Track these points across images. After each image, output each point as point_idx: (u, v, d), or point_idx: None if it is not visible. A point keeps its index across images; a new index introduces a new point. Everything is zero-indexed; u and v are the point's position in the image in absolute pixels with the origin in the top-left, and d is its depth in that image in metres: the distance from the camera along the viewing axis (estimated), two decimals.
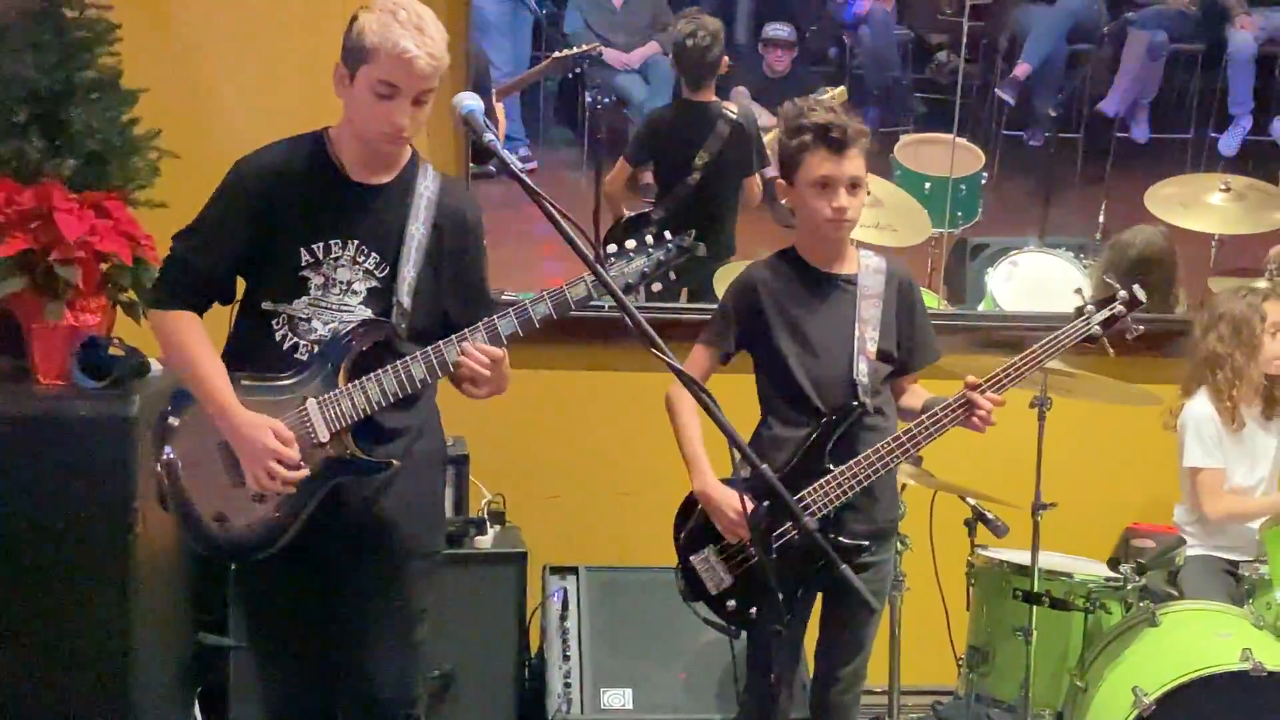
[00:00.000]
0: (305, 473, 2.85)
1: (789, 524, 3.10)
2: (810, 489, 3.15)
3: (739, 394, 3.20)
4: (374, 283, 2.93)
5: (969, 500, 4.07)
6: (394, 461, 2.93)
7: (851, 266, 3.33)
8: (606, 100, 4.64)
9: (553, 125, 4.69)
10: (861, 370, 3.23)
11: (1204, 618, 3.79)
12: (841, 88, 4.65)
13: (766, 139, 4.63)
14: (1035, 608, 3.83)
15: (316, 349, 2.91)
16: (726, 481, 3.25)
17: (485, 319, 2.86)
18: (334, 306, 2.92)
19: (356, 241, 2.92)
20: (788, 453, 3.19)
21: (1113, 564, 4.08)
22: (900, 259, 3.51)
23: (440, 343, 2.86)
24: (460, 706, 4.13)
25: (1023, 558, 3.88)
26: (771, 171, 4.44)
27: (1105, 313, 3.29)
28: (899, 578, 4.08)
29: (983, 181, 4.81)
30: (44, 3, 3.62)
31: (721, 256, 4.51)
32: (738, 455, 2.39)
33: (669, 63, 4.64)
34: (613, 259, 2.85)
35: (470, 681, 4.15)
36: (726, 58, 4.58)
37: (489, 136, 2.71)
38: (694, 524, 3.30)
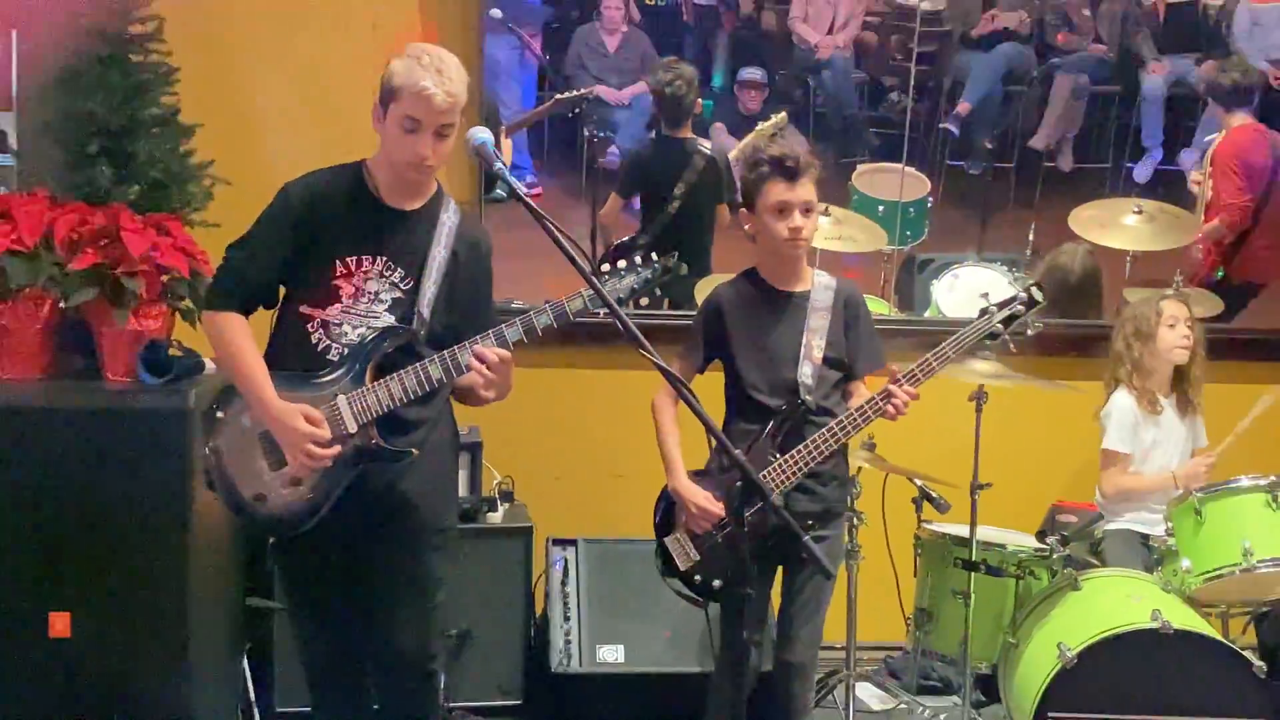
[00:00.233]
0: (337, 450, 2.86)
1: (757, 504, 3.11)
2: (761, 475, 3.16)
3: (714, 394, 3.25)
4: (398, 295, 2.94)
5: (916, 481, 4.09)
6: (413, 450, 2.94)
7: (805, 284, 3.35)
8: (601, 134, 4.64)
9: (555, 155, 4.69)
10: (805, 373, 3.26)
11: (1119, 583, 3.81)
12: (783, 114, 4.65)
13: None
14: (973, 574, 3.84)
15: (347, 350, 2.91)
16: (700, 473, 3.30)
17: (494, 327, 2.88)
18: (363, 314, 2.92)
19: (385, 258, 2.93)
20: (744, 445, 3.21)
21: (1040, 536, 4.10)
22: (850, 279, 3.51)
23: (455, 347, 2.87)
24: (475, 661, 4.15)
25: (962, 531, 3.90)
26: None
27: (1005, 311, 3.30)
28: (855, 548, 4.10)
29: (928, 205, 4.82)
30: (112, 49, 3.62)
31: (700, 273, 4.51)
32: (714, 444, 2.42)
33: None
34: (607, 276, 2.86)
35: (483, 639, 4.16)
36: (699, 100, 4.59)
37: (498, 165, 2.73)
38: (667, 512, 3.36)
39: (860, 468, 4.06)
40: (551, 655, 4.12)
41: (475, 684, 4.16)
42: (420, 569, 3.05)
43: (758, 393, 3.29)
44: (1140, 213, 4.85)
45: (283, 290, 3.00)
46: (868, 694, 4.40)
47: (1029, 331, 3.32)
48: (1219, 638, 3.57)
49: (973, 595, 3.83)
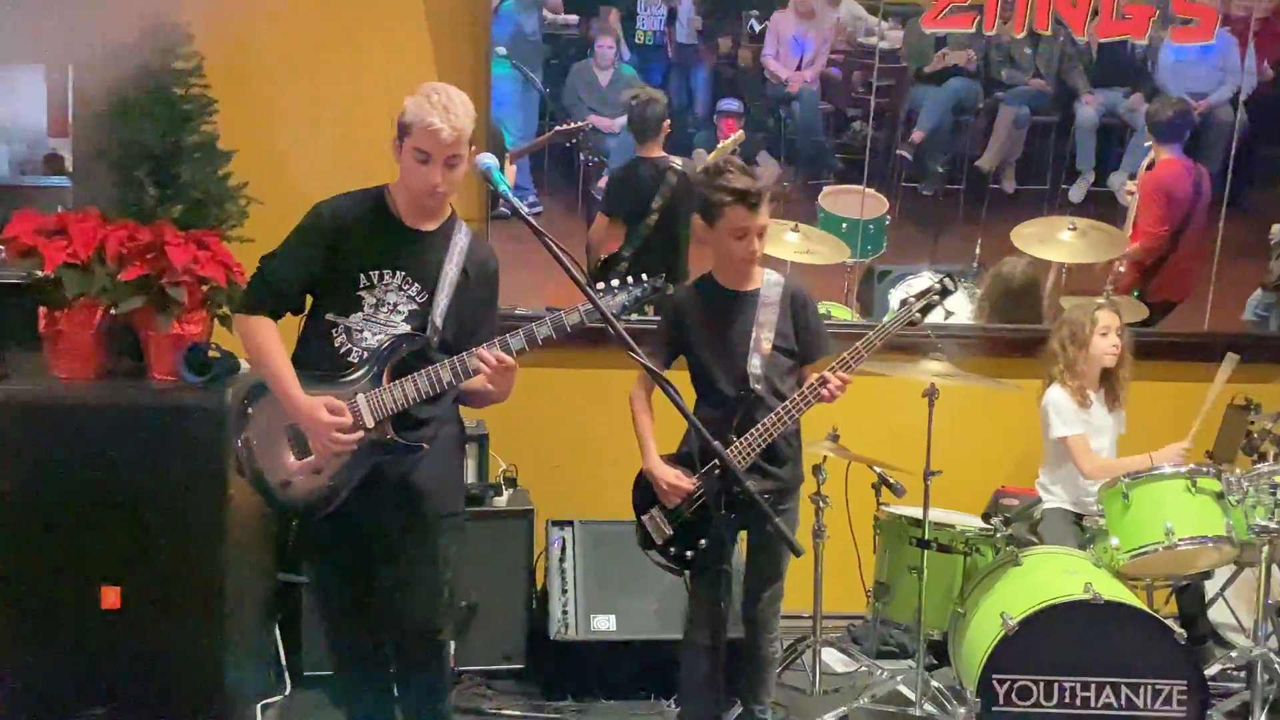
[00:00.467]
0: (359, 435, 2.85)
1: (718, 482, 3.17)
2: (728, 453, 3.19)
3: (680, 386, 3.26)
4: (414, 306, 2.94)
5: (875, 469, 4.09)
6: (423, 444, 2.94)
7: (755, 283, 3.37)
8: (595, 159, 4.64)
9: (555, 178, 4.68)
10: (754, 364, 3.28)
11: (1056, 559, 3.81)
12: (740, 132, 4.65)
13: None
14: (926, 551, 3.84)
15: (367, 354, 2.91)
16: (672, 456, 3.31)
17: (499, 337, 2.88)
18: (382, 322, 2.92)
19: (403, 273, 2.93)
20: (708, 430, 3.22)
21: (986, 518, 4.10)
22: (796, 277, 3.55)
23: (464, 353, 2.87)
24: (482, 630, 4.14)
25: (916, 513, 3.90)
26: None
27: (923, 301, 3.33)
28: (821, 528, 4.11)
29: (886, 222, 4.81)
30: (158, 83, 3.62)
31: (678, 279, 4.50)
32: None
33: None
34: (602, 292, 2.86)
35: (490, 610, 4.15)
36: (668, 121, 4.58)
37: (503, 188, 2.73)
38: (643, 492, 3.37)
39: (825, 456, 4.06)
40: (551, 624, 4.11)
41: (482, 650, 4.16)
42: (431, 549, 3.04)
43: (717, 383, 3.31)
44: (1074, 229, 4.85)
45: (310, 299, 3.00)
46: (832, 658, 4.40)
47: (944, 319, 3.36)
48: (1144, 608, 3.58)
49: (925, 570, 3.83)
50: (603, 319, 2.62)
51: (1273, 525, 3.71)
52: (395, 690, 3.22)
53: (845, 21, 4.69)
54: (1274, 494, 3.75)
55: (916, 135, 4.79)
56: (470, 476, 4.14)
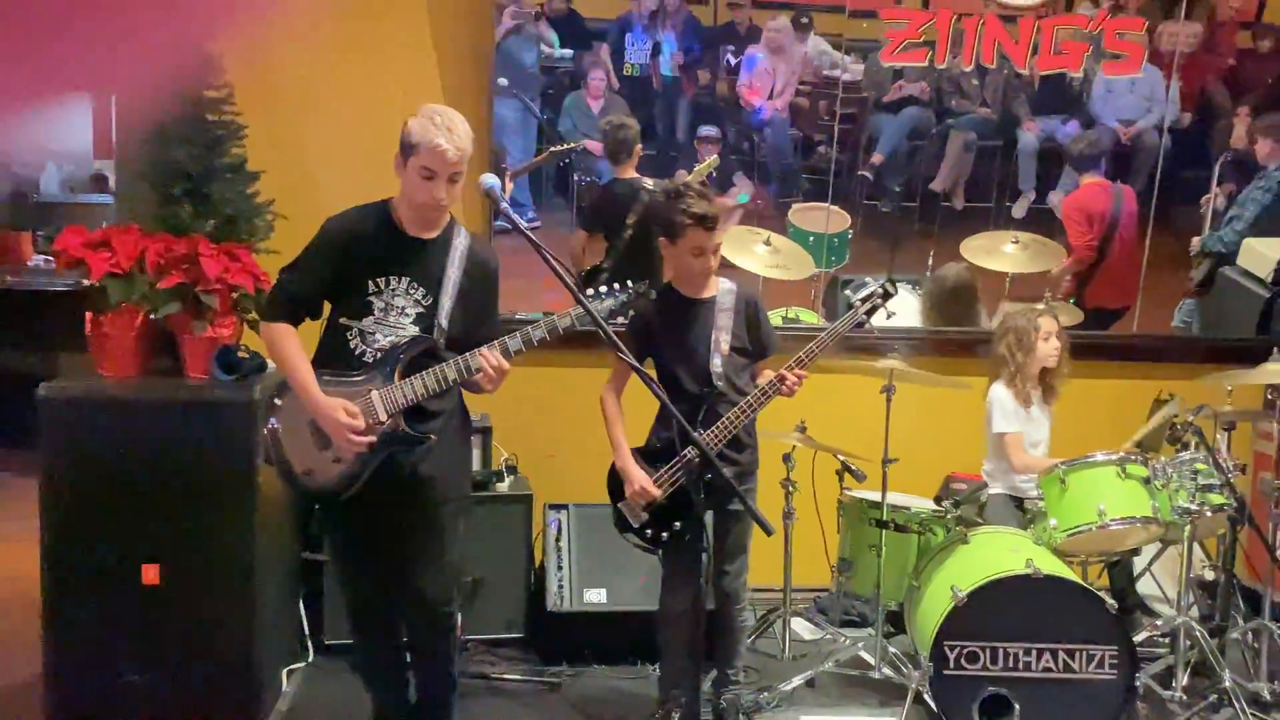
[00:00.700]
0: (373, 437, 2.85)
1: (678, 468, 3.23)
2: (689, 447, 3.19)
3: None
4: (421, 309, 2.93)
5: (839, 457, 4.10)
6: (432, 436, 2.93)
7: (712, 291, 3.38)
8: (587, 179, 4.64)
9: (552, 195, 4.68)
10: (715, 363, 3.29)
11: (1001, 538, 3.82)
12: (715, 157, 4.65)
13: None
14: (884, 531, 3.86)
15: (379, 355, 2.91)
16: (641, 450, 3.34)
17: (499, 339, 2.88)
18: (392, 324, 2.92)
19: (409, 279, 2.92)
20: (677, 423, 3.23)
21: (938, 501, 4.12)
22: (749, 284, 3.57)
23: (467, 353, 2.87)
24: (486, 602, 4.14)
25: (875, 497, 3.91)
26: None
27: (867, 305, 3.35)
28: (790, 511, 4.11)
29: (849, 236, 4.82)
30: (193, 110, 3.61)
31: (655, 288, 4.51)
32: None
33: None
34: (592, 298, 2.86)
35: (493, 585, 4.15)
36: (639, 146, 4.57)
37: (504, 205, 2.73)
38: (617, 480, 3.38)
39: (794, 446, 4.07)
40: (548, 597, 4.12)
41: (486, 621, 4.15)
42: (439, 530, 3.04)
43: (682, 382, 3.31)
44: (1017, 242, 4.87)
45: (327, 305, 2.99)
46: (801, 627, 4.41)
47: (888, 318, 3.39)
48: (1079, 581, 3.60)
49: (884, 548, 3.84)
50: (593, 322, 2.63)
51: (1193, 507, 3.72)
52: (408, 657, 3.23)
53: (812, 55, 4.70)
54: (1195, 479, 3.77)
55: (876, 158, 4.80)
56: (476, 464, 4.14)
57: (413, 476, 2.96)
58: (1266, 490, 4.13)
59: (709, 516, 3.39)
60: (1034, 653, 3.44)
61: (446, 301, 2.93)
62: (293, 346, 2.91)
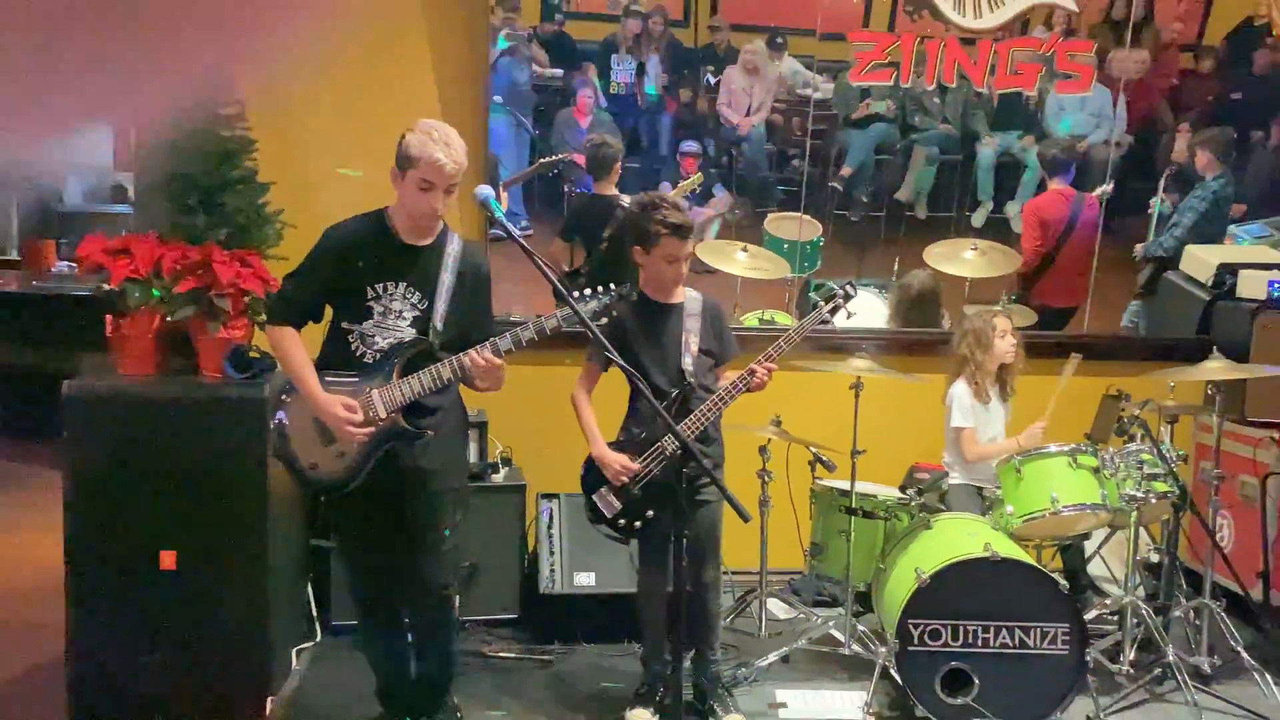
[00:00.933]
0: (373, 430, 2.85)
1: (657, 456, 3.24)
2: (665, 439, 3.22)
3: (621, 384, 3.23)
4: (417, 312, 2.93)
5: (811, 448, 4.09)
6: (430, 431, 2.93)
7: (680, 298, 3.40)
8: (576, 190, 4.64)
9: (543, 204, 4.68)
10: (687, 362, 3.30)
11: (961, 524, 3.83)
12: (699, 174, 4.66)
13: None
14: (853, 518, 3.86)
15: (379, 356, 2.90)
16: (614, 444, 3.32)
17: (490, 339, 2.87)
18: (390, 327, 2.92)
19: (405, 284, 2.92)
20: (652, 417, 3.26)
21: (903, 489, 4.12)
22: (712, 293, 3.58)
23: (461, 354, 2.87)
24: (482, 586, 4.14)
25: (845, 485, 3.91)
26: None
27: (830, 304, 3.37)
28: (766, 499, 4.12)
29: (821, 243, 4.83)
30: (207, 125, 3.60)
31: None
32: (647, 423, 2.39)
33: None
34: (579, 300, 2.87)
35: (489, 569, 4.15)
36: (619, 164, 4.57)
37: (499, 214, 2.73)
38: (592, 474, 3.36)
39: (770, 439, 4.08)
40: (540, 580, 4.12)
41: (483, 602, 4.15)
42: (438, 519, 3.04)
43: (654, 380, 3.31)
44: (976, 249, 4.88)
45: (329, 309, 2.99)
46: (776, 607, 4.41)
47: (848, 318, 3.40)
48: (1034, 564, 3.61)
49: (853, 533, 3.85)
50: (580, 322, 2.63)
51: (1140, 494, 3.75)
52: (410, 636, 3.22)
53: (786, 76, 4.71)
54: (1141, 469, 3.80)
55: (845, 171, 4.82)
56: (472, 457, 4.13)
57: (414, 468, 2.96)
58: (1206, 478, 4.16)
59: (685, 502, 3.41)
60: (992, 630, 3.46)
61: (441, 304, 2.93)
62: (295, 348, 2.91)
